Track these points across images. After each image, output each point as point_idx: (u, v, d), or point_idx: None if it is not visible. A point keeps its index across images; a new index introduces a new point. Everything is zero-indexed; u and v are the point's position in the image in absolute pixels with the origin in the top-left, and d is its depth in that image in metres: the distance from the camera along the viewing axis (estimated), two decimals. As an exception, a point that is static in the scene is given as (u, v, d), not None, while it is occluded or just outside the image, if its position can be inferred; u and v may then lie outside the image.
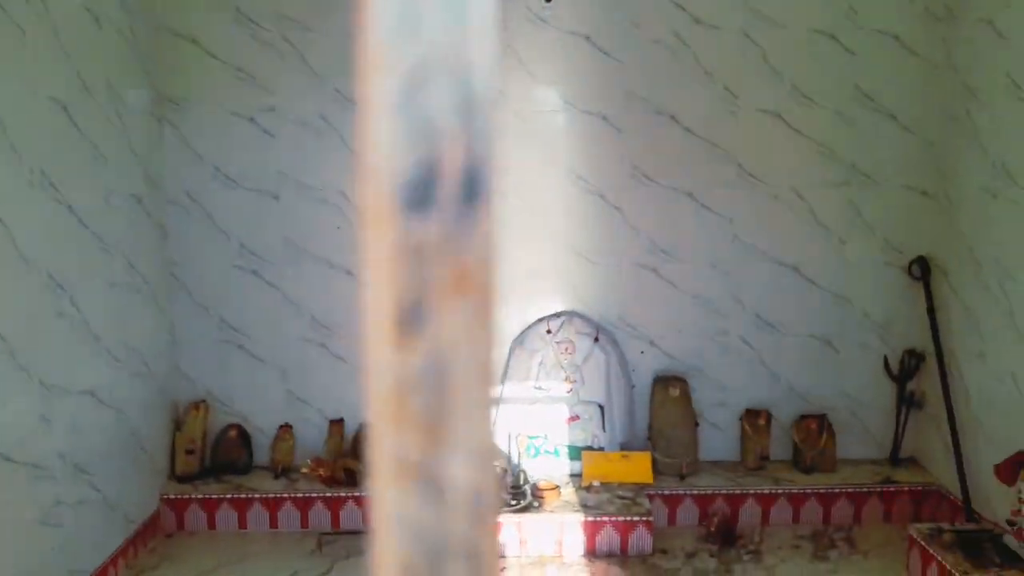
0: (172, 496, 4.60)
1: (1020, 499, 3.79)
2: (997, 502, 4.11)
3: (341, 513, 4.61)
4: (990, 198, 4.19)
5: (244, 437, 4.86)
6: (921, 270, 4.71)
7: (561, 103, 4.71)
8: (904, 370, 4.87)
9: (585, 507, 4.38)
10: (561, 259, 4.81)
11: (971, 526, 4.15)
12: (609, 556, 4.31)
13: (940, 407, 4.60)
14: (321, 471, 4.66)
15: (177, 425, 4.80)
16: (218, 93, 4.63)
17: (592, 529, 4.31)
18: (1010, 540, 3.86)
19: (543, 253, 4.80)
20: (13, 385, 3.34)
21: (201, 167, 4.68)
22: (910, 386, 4.88)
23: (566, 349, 4.80)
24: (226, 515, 4.60)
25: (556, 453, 4.80)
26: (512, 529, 4.30)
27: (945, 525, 4.20)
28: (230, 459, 4.82)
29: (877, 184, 4.73)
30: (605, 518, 4.31)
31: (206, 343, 4.84)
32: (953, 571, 3.76)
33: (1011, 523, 3.84)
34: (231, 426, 4.86)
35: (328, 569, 4.22)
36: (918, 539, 4.05)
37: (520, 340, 4.83)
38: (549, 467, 4.76)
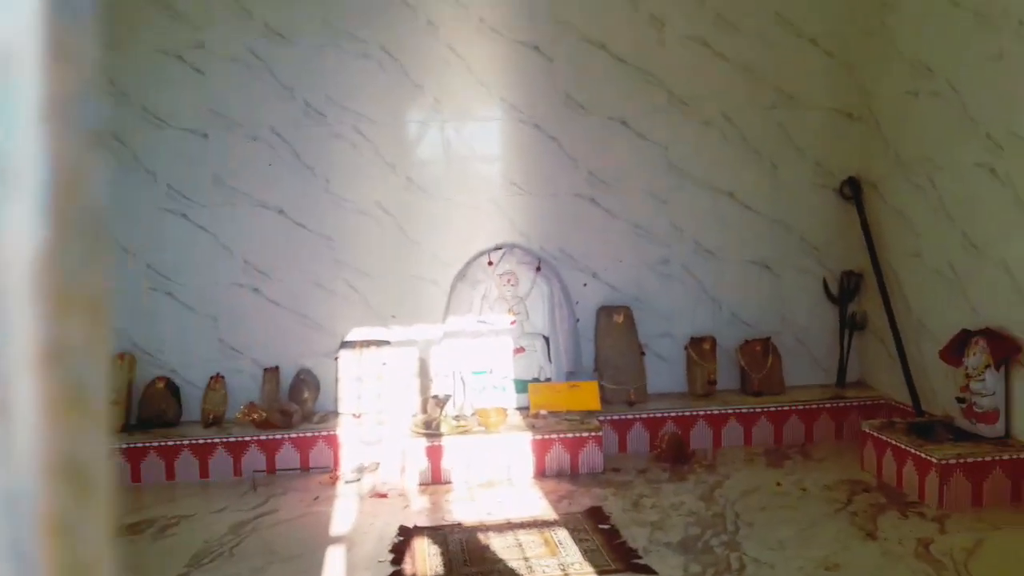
0: (94, 447, 4.29)
1: (967, 375, 3.80)
2: (947, 401, 4.10)
3: (277, 456, 4.36)
4: (912, 99, 4.33)
5: (172, 389, 4.61)
6: (852, 189, 4.80)
7: (489, 30, 4.72)
8: (844, 291, 4.90)
9: (533, 429, 4.23)
10: (498, 192, 4.77)
11: (923, 418, 4.12)
12: (559, 476, 4.14)
13: (882, 323, 4.62)
14: (255, 415, 4.42)
15: (100, 377, 4.53)
16: (145, 31, 4.55)
17: (541, 448, 4.15)
18: (962, 422, 3.84)
19: (480, 187, 4.76)
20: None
21: (127, 107, 4.56)
22: (851, 307, 4.91)
23: (508, 280, 4.72)
24: (152, 465, 4.31)
25: (503, 388, 4.66)
26: (458, 453, 4.11)
27: (897, 419, 4.16)
28: (158, 411, 4.54)
29: (804, 108, 4.85)
30: (554, 435, 4.16)
31: (132, 291, 4.62)
32: (908, 447, 3.71)
33: (960, 400, 3.83)
34: (159, 378, 4.61)
35: (264, 502, 3.95)
36: (871, 432, 4.00)
37: (462, 274, 4.73)
38: (496, 402, 4.60)
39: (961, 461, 3.51)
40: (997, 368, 3.67)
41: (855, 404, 4.65)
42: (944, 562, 2.97)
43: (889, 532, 3.30)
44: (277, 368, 4.69)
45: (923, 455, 3.60)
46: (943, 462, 3.51)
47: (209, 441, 4.34)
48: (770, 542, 3.25)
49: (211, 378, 4.64)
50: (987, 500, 3.51)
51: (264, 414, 4.43)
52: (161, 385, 4.58)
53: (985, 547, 3.10)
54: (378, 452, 4.34)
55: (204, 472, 4.33)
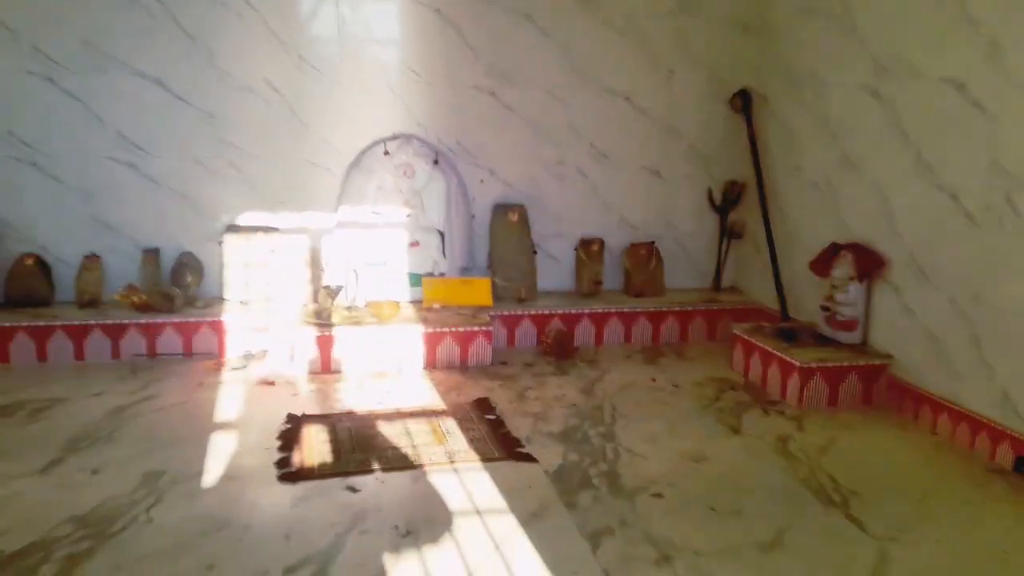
0: (-46, 326, 4.05)
1: (833, 286, 4.07)
2: (812, 309, 4.39)
3: (158, 341, 4.24)
4: (807, 16, 4.43)
5: (43, 267, 4.35)
6: (743, 102, 4.92)
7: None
8: (726, 200, 5.10)
9: (425, 322, 4.27)
10: (396, 78, 4.62)
11: (788, 324, 4.42)
12: (449, 368, 4.24)
13: (759, 232, 4.85)
14: (135, 298, 4.25)
15: (-42, 251, 4.23)
16: None
17: (433, 341, 4.21)
18: (824, 328, 4.14)
19: (376, 71, 4.59)
20: None
21: (-18, -48, 4.08)
22: (731, 216, 5.13)
23: (404, 172, 4.64)
24: (22, 346, 4.10)
25: (396, 281, 4.65)
26: (349, 343, 4.12)
27: (766, 324, 4.45)
28: (28, 290, 4.30)
29: (703, 17, 4.88)
30: (446, 329, 4.22)
31: (-7, 160, 4.27)
32: (774, 350, 3.99)
33: (824, 308, 4.12)
34: (27, 255, 4.33)
35: (144, 386, 3.86)
36: (741, 334, 4.27)
37: (356, 163, 4.61)
38: (389, 294, 4.60)
39: (820, 365, 3.81)
40: (860, 281, 3.95)
41: (728, 308, 4.93)
42: (800, 457, 3.26)
43: (752, 428, 3.57)
44: (157, 250, 4.49)
45: (787, 358, 3.88)
46: (804, 365, 3.79)
47: (85, 323, 4.16)
48: (643, 434, 3.46)
49: (86, 257, 4.40)
50: (841, 402, 3.84)
51: (144, 296, 4.27)
52: (30, 262, 4.32)
53: (837, 445, 3.41)
54: (266, 340, 4.28)
55: (79, 354, 4.17)
